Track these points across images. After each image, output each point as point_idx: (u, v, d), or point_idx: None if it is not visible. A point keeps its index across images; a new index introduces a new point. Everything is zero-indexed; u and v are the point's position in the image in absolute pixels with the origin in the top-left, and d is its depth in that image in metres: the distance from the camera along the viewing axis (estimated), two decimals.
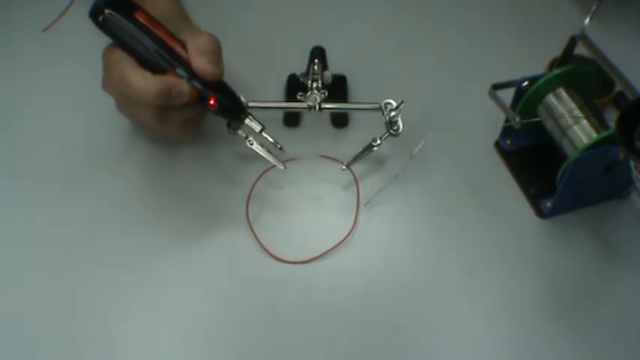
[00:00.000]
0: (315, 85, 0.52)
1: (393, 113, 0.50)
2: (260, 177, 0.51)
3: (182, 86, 0.45)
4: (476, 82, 0.51)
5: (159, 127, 0.48)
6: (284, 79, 0.57)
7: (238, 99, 0.48)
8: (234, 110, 0.48)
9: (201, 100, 0.46)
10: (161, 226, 0.49)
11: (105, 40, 0.47)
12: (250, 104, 0.50)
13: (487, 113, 0.50)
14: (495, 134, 0.54)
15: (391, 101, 0.51)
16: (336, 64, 0.55)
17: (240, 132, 0.49)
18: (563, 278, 0.47)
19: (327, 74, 0.53)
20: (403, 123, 0.50)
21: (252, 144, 0.49)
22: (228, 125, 0.49)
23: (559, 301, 0.46)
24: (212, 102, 0.46)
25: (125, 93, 0.45)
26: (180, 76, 0.46)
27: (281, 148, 0.49)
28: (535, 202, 0.51)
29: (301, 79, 0.54)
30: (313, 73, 0.52)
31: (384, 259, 0.48)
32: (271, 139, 0.49)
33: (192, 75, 0.46)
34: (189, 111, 0.48)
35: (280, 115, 0.55)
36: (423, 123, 0.52)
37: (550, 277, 0.47)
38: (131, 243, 0.49)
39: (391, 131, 0.51)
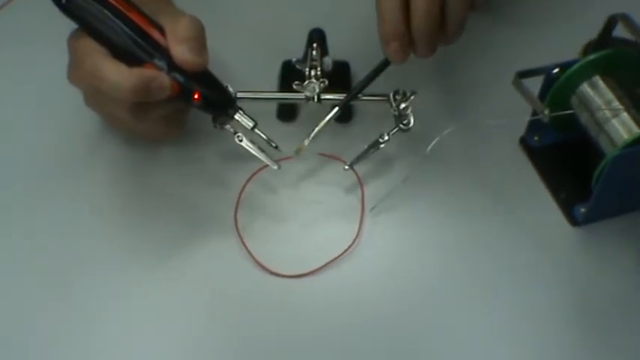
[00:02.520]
0: (313, 73, 0.51)
1: (403, 105, 0.50)
2: (251, 179, 0.51)
3: (162, 79, 0.45)
4: (499, 70, 0.50)
5: (135, 125, 0.48)
6: (278, 67, 0.57)
7: (226, 91, 0.48)
8: (221, 105, 0.48)
9: (183, 94, 0.46)
10: (138, 237, 0.49)
11: (71, 24, 0.46)
12: (239, 95, 0.50)
13: (511, 105, 0.49)
14: (521, 129, 0.53)
15: (401, 91, 0.50)
16: (338, 49, 0.54)
17: (227, 127, 0.48)
18: (599, 295, 0.47)
19: (328, 60, 0.52)
20: (415, 116, 0.50)
21: (241, 140, 0.48)
22: (214, 120, 0.48)
23: (594, 321, 0.46)
24: (196, 96, 0.46)
25: (97, 87, 0.45)
26: (158, 68, 0.45)
27: (276, 147, 0.48)
28: (567, 207, 0.50)
29: (298, 66, 0.53)
30: (311, 60, 0.52)
31: (392, 273, 0.48)
32: (265, 137, 0.48)
33: (173, 66, 0.45)
34: (170, 106, 0.47)
35: (274, 107, 0.55)
36: (438, 116, 0.52)
37: (584, 294, 0.47)
38: (103, 256, 0.48)
39: (401, 126, 0.50)
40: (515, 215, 0.50)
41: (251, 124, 0.48)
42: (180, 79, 0.45)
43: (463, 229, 0.49)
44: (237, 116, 0.48)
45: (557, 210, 0.50)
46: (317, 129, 0.49)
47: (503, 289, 0.47)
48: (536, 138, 0.53)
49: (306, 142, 0.49)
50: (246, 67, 0.56)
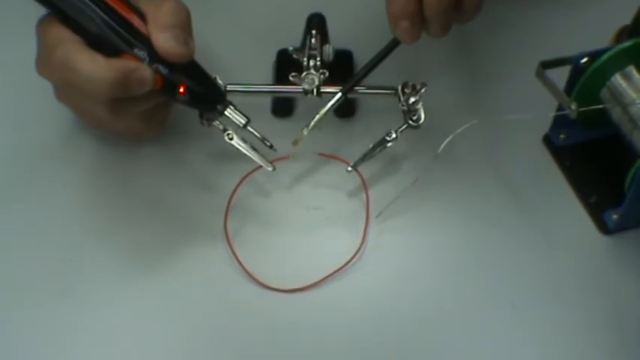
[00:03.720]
0: (312, 63, 0.50)
1: (412, 99, 0.49)
2: (242, 181, 0.50)
3: (143, 71, 0.44)
4: (520, 59, 0.51)
5: (112, 122, 0.47)
6: (272, 56, 0.56)
7: (215, 85, 0.48)
8: (210, 100, 0.47)
9: (167, 88, 0.45)
10: (115, 245, 0.48)
11: (40, 8, 0.45)
12: (229, 88, 0.49)
13: (534, 99, 0.49)
14: (545, 126, 0.52)
15: (410, 84, 0.50)
16: (340, 37, 0.53)
17: (216, 123, 0.48)
18: (631, 310, 0.46)
19: (328, 49, 0.51)
20: (425, 112, 0.49)
21: (231, 138, 0.48)
22: (201, 116, 0.48)
23: (626, 339, 0.45)
24: (182, 90, 0.45)
25: (69, 80, 0.44)
26: (139, 58, 0.45)
27: (271, 147, 0.48)
28: (596, 213, 0.49)
29: (295, 56, 0.52)
30: (310, 48, 0.51)
31: (400, 287, 0.47)
32: (258, 135, 0.48)
33: (155, 56, 0.45)
34: (151, 101, 0.47)
35: (268, 101, 0.54)
36: (452, 112, 0.51)
37: (615, 309, 0.46)
38: (76, 266, 0.48)
39: (410, 122, 0.49)
40: (538, 222, 0.49)
41: (243, 121, 0.47)
42: (164, 71, 0.45)
43: (480, 238, 0.49)
44: (227, 112, 0.47)
45: (585, 216, 0.50)
46: (318, 116, 0.48)
47: (525, 304, 0.46)
48: (561, 136, 0.52)
49: (305, 132, 0.48)
50: (237, 57, 0.55)
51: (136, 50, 0.44)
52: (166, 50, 0.44)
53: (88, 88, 0.43)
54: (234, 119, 0.47)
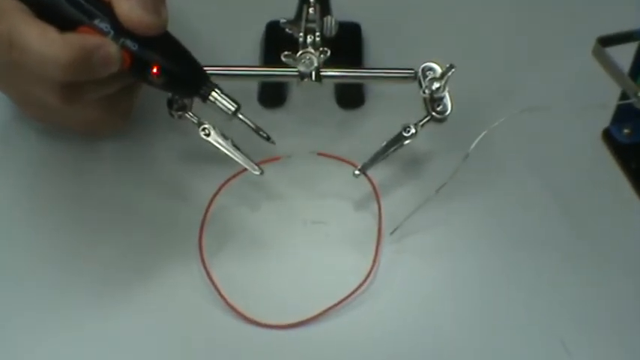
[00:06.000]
0: (310, 39, 0.49)
1: (436, 85, 0.47)
2: (222, 188, 0.48)
3: (107, 48, 0.43)
4: (572, 35, 0.51)
5: (64, 113, 0.46)
6: (261, 30, 0.55)
7: (196, 62, 0.46)
8: (190, 81, 0.46)
9: (137, 68, 0.44)
10: (67, 266, 0.47)
11: None
12: (206, 70, 0.48)
13: (590, 85, 0.47)
14: (605, 119, 0.51)
15: (434, 66, 0.48)
16: (345, 7, 0.52)
17: (189, 115, 0.46)
18: None
19: (330, 22, 0.50)
20: (452, 101, 0.47)
21: (208, 134, 0.46)
22: (170, 106, 0.46)
23: None
24: (155, 70, 0.44)
25: (13, 60, 0.42)
26: (101, 32, 0.43)
27: (269, 139, 0.46)
28: None
29: (288, 30, 0.50)
30: (307, 20, 0.49)
31: (421, 323, 0.45)
32: (252, 125, 0.46)
33: (121, 29, 0.43)
34: (115, 86, 0.46)
35: (254, 87, 0.53)
36: (485, 101, 0.51)
37: None
38: (16, 292, 0.46)
39: (433, 114, 0.47)
40: (595, 239, 0.47)
41: (233, 108, 0.45)
42: (132, 47, 0.43)
43: (522, 259, 0.47)
44: (212, 97, 0.45)
45: None
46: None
47: (581, 347, 0.43)
48: (625, 131, 0.51)
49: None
50: (216, 32, 0.55)
51: (96, 22, 0.43)
52: (132, 20, 0.42)
53: (39, 69, 0.42)
54: (221, 105, 0.46)
